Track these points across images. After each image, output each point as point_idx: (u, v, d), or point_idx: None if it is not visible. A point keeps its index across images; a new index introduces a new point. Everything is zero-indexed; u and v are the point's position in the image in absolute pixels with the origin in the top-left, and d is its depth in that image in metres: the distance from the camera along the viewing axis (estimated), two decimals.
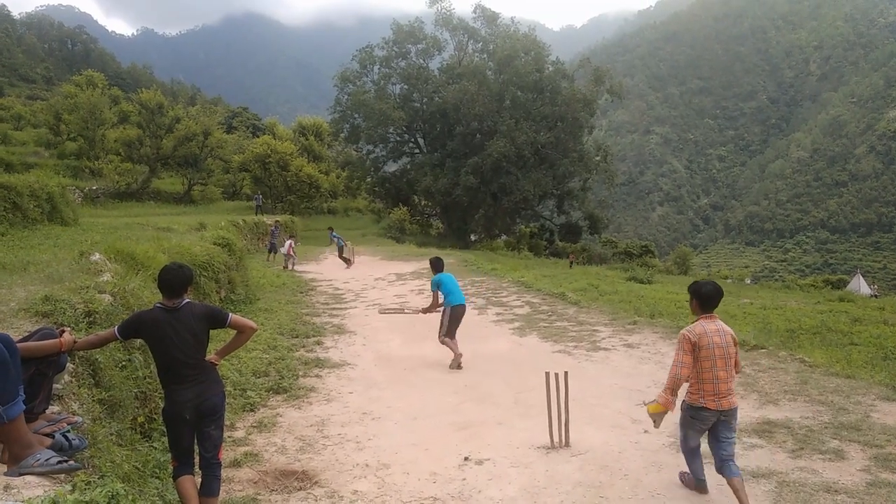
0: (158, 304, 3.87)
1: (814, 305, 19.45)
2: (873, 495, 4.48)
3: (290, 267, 22.26)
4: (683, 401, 4.67)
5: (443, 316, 9.02)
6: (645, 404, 5.00)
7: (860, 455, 5.25)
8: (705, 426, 4.54)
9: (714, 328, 4.56)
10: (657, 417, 4.64)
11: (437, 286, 9.21)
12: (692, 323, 4.67)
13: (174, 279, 3.86)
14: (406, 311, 10.51)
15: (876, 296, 38.56)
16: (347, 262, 23.84)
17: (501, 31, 49.45)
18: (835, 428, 5.90)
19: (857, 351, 11.25)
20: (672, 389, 4.46)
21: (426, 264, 22.96)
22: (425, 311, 9.52)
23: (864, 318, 15.63)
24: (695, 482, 4.72)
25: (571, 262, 38.49)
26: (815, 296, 25.30)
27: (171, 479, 4.35)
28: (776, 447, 5.51)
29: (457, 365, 8.71)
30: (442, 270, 9.36)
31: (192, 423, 3.85)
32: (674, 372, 4.45)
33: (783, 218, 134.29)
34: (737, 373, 4.71)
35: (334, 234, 27.12)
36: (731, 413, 4.51)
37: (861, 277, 58.24)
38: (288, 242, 23.18)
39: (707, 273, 57.64)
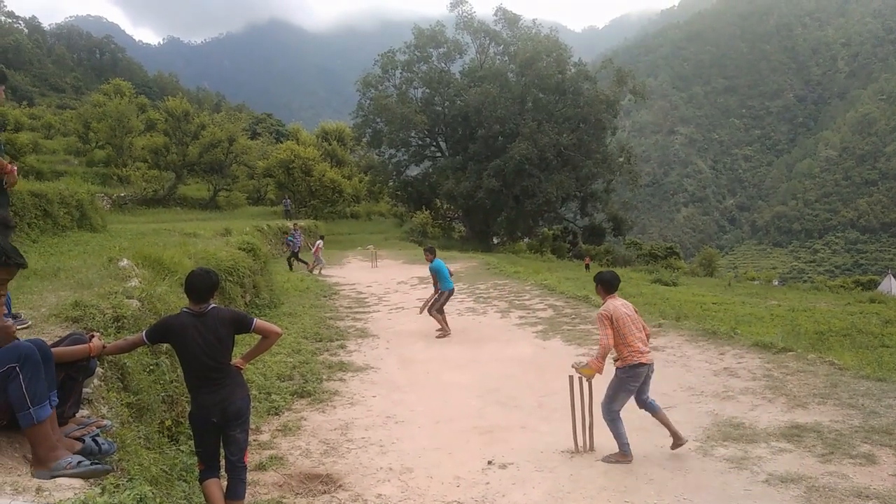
0: (185, 309, 3.92)
1: (844, 307, 19.09)
2: None
3: (318, 271, 22.25)
4: (617, 368, 5.50)
5: (440, 296, 11.36)
6: (575, 367, 5.75)
7: (892, 459, 5.14)
8: (638, 382, 5.48)
9: (620, 303, 5.68)
10: (588, 378, 5.65)
11: (436, 271, 11.48)
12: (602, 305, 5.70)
13: (201, 284, 3.92)
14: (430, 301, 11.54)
15: None
16: (307, 264, 22.53)
17: (523, 34, 49.34)
18: (865, 432, 5.77)
19: (888, 353, 11.03)
20: (602, 357, 5.44)
21: (449, 268, 23.08)
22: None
23: (895, 319, 15.31)
24: (620, 448, 5.41)
25: (588, 265, 38.08)
26: (844, 297, 24.81)
27: (197, 483, 4.41)
28: (805, 451, 5.41)
29: (444, 335, 10.95)
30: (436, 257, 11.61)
31: (219, 426, 3.90)
32: (603, 343, 5.39)
33: (811, 218, 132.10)
34: (647, 336, 5.71)
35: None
36: (652, 367, 5.60)
37: (892, 278, 57.02)
38: (317, 243, 23.18)
39: (734, 275, 56.76)
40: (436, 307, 11.22)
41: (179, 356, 3.92)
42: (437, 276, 11.46)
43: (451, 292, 11.73)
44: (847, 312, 16.88)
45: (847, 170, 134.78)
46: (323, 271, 22.44)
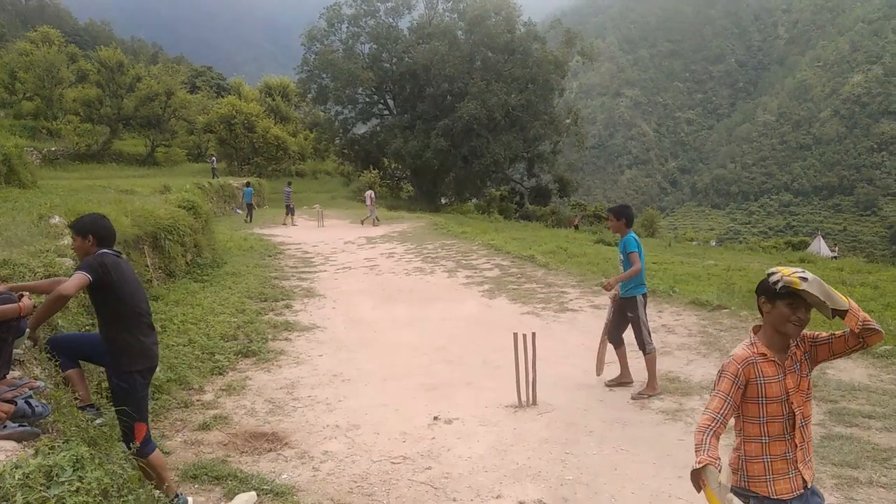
0: (107, 251, 3.68)
1: (776, 266, 19.92)
2: (827, 447, 4.67)
3: (375, 222, 23.71)
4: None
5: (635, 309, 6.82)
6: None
7: (815, 410, 5.43)
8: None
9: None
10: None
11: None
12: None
13: (112, 228, 3.81)
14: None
15: (836, 257, 39.52)
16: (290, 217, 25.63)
17: None
18: None
19: (815, 311, 11.58)
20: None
21: (397, 228, 23.10)
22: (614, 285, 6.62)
23: (823, 278, 16.05)
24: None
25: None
26: (777, 257, 25.86)
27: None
28: None
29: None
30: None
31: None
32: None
33: (748, 181, 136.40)
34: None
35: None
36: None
37: (822, 240, 59.63)
38: (368, 193, 23.83)
39: (674, 236, 58.41)
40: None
41: (118, 297, 3.61)
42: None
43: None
44: None
45: (783, 134, 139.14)
46: (262, 230, 22.13)
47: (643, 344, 6.09)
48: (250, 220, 25.05)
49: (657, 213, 77.53)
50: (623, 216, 6.22)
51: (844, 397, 5.71)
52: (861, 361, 6.75)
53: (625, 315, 6.21)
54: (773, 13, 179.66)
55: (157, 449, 3.85)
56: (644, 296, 6.22)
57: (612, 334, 6.37)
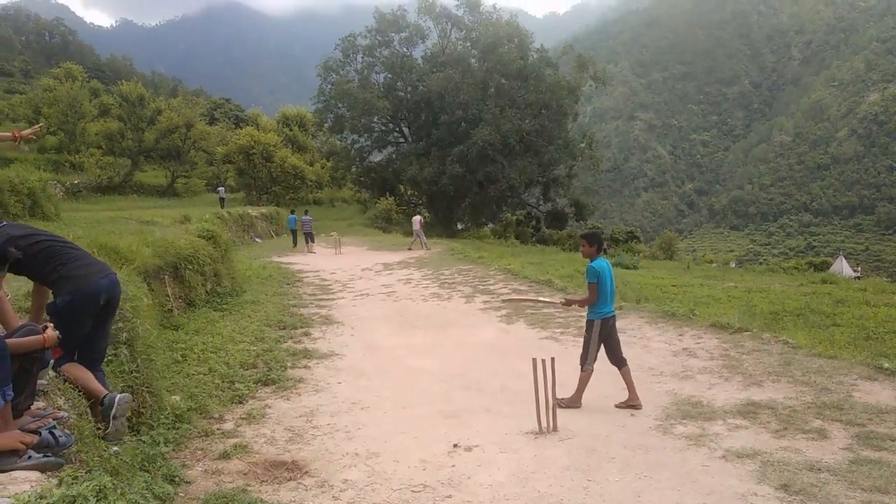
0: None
1: (797, 288, 19.66)
2: (855, 472, 4.56)
3: (424, 247, 24.08)
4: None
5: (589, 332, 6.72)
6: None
7: (842, 434, 5.34)
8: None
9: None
10: None
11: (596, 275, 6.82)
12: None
13: None
14: (540, 300, 9.66)
15: (859, 277, 38.98)
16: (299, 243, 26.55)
17: (484, 19, 49.18)
18: (818, 408, 5.98)
19: (839, 332, 11.41)
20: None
21: (413, 254, 23.15)
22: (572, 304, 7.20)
23: (846, 299, 15.83)
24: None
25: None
26: (798, 278, 25.54)
27: (159, 473, 4.35)
28: (760, 427, 5.59)
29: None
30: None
31: (99, 315, 3.87)
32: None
33: (767, 202, 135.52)
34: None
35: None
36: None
37: (844, 259, 58.97)
38: (417, 219, 24.24)
39: (692, 258, 57.98)
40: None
41: (47, 250, 3.87)
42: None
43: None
44: (800, 293, 17.38)
45: (800, 154, 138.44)
46: (279, 259, 22.31)
47: (583, 361, 6.43)
48: (309, 250, 25.34)
49: (675, 236, 77.16)
50: (595, 242, 6.47)
51: (872, 420, 5.59)
52: (888, 383, 6.63)
53: (608, 336, 6.45)
54: (785, 34, 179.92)
55: (66, 366, 4.00)
56: (605, 320, 6.39)
57: (611, 358, 6.53)
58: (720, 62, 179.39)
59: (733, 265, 59.86)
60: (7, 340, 3.10)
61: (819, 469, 4.65)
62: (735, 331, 9.18)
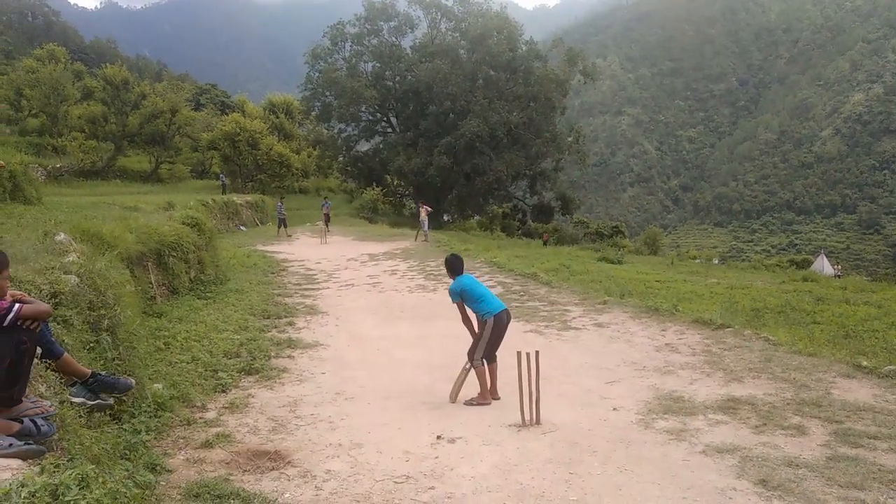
0: None
1: (779, 285, 19.88)
2: (833, 469, 4.64)
3: (423, 237, 23.85)
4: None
5: (483, 329, 6.65)
6: None
7: (821, 430, 5.42)
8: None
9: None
10: None
11: (458, 295, 6.75)
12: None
13: None
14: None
15: (839, 276, 39.52)
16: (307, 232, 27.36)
17: (474, 10, 49.06)
18: (797, 404, 6.07)
19: (819, 329, 11.56)
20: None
21: (399, 244, 23.10)
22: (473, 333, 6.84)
23: (826, 297, 16.03)
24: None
25: (546, 241, 38.79)
26: (780, 276, 25.83)
27: (141, 461, 4.33)
28: (740, 423, 5.66)
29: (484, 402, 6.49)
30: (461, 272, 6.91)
31: None
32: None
33: (751, 199, 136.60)
34: None
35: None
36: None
37: (825, 258, 59.71)
38: (425, 208, 24.04)
39: (676, 254, 58.30)
40: (480, 353, 6.60)
41: None
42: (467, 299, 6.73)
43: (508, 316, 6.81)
44: (782, 290, 17.57)
45: (785, 153, 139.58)
46: (264, 247, 22.19)
47: (470, 357, 6.57)
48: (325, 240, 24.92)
49: (660, 231, 77.51)
50: (449, 269, 6.89)
51: (850, 418, 5.68)
52: (866, 381, 6.73)
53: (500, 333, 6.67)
54: (773, 32, 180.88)
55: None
56: (497, 318, 6.61)
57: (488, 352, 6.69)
58: (708, 59, 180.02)
59: (717, 261, 60.32)
60: (25, 307, 3.19)
61: (797, 465, 4.72)
62: (717, 327, 9.28)
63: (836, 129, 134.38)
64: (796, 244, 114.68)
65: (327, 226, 27.62)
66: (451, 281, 6.93)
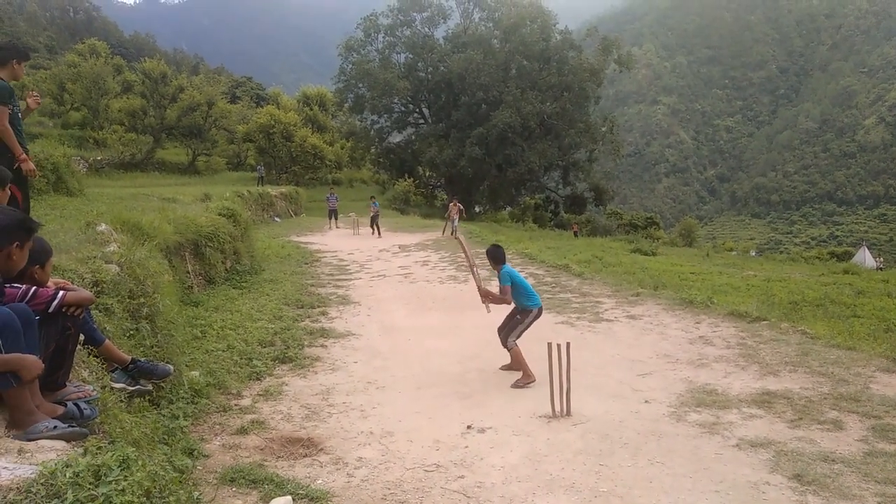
0: None
1: (818, 278, 19.43)
2: (870, 464, 4.55)
3: (449, 231, 23.36)
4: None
5: (525, 317, 7.03)
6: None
7: (858, 426, 5.31)
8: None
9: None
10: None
11: (510, 279, 6.99)
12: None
13: None
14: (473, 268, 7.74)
15: (881, 268, 38.46)
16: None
17: None
18: (834, 399, 5.95)
19: (859, 323, 11.28)
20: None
21: (431, 236, 23.14)
22: (488, 296, 7.27)
23: (867, 290, 15.64)
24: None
25: (576, 233, 38.53)
26: (819, 268, 25.26)
27: (178, 446, 4.45)
28: (775, 417, 5.57)
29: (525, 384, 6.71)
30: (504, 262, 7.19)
31: None
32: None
33: (790, 189, 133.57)
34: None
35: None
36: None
37: (867, 250, 58.10)
38: (457, 206, 23.83)
39: (712, 245, 57.39)
40: (515, 335, 7.00)
41: None
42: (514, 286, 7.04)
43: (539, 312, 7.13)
44: (821, 283, 17.19)
45: (826, 142, 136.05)
46: (299, 238, 22.40)
47: (505, 340, 6.97)
48: (378, 234, 24.52)
49: (695, 223, 76.41)
50: (492, 259, 7.15)
51: (889, 413, 5.55)
52: None
53: (514, 318, 7.09)
54: (815, 18, 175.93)
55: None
56: (540, 310, 7.09)
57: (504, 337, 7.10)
58: (747, 46, 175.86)
59: (753, 253, 59.26)
60: (69, 294, 3.28)
61: (833, 460, 4.64)
62: (753, 320, 9.12)
63: (880, 117, 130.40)
64: (837, 236, 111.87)
65: (337, 221, 28.21)
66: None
